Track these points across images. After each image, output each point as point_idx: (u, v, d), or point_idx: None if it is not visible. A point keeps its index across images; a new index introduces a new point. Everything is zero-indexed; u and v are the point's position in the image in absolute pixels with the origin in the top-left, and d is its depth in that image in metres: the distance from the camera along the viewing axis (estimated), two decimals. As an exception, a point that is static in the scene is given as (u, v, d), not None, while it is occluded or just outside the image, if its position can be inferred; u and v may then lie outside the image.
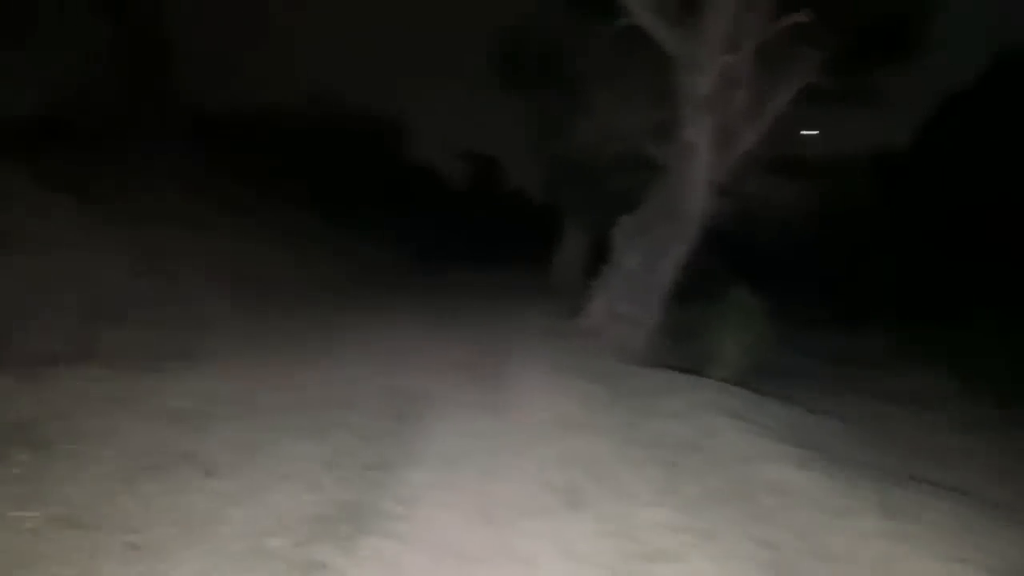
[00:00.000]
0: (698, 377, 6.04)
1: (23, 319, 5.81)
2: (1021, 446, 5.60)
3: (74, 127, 10.40)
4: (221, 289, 8.68)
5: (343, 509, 3.07)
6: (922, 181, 12.72)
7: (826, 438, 4.91)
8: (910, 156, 13.77)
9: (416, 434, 4.10)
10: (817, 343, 9.69)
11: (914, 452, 5.05)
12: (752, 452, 4.09)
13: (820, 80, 7.17)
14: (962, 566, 2.91)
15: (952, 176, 11.96)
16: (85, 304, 6.31)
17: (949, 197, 11.82)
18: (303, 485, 3.29)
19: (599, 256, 13.29)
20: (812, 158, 11.12)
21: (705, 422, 4.49)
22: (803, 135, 10.36)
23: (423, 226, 21.22)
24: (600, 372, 5.91)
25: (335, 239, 15.12)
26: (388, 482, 3.40)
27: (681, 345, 8.00)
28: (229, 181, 14.20)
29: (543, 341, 7.51)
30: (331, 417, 4.31)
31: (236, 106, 16.86)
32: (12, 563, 2.39)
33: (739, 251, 9.35)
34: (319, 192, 16.54)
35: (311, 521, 2.92)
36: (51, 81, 10.17)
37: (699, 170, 7.00)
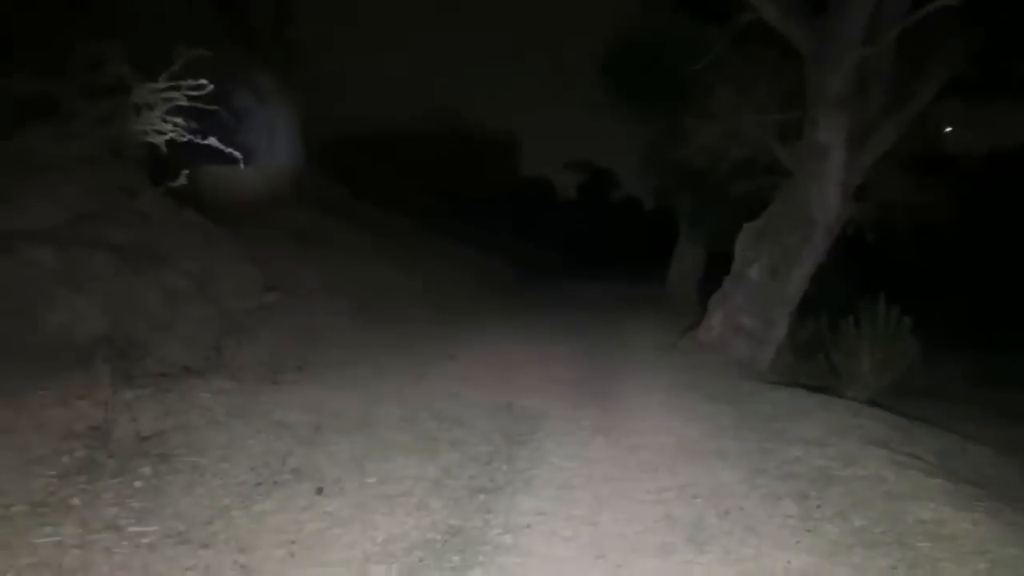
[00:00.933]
0: (830, 397, 5.51)
1: (160, 331, 6.20)
2: None
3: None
4: (340, 304, 8.96)
5: (451, 535, 2.94)
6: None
7: (982, 471, 4.30)
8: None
9: (526, 456, 3.94)
10: (956, 360, 8.70)
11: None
12: (901, 487, 3.61)
13: (966, 71, 6.44)
14: None
15: None
16: (214, 318, 6.67)
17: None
18: (411, 507, 3.20)
19: (716, 266, 12.78)
20: (958, 158, 10.07)
21: (844, 450, 4.03)
22: (948, 132, 9.40)
23: (537, 237, 21.25)
24: (723, 391, 5.51)
25: (451, 252, 15.41)
26: (497, 507, 3.25)
27: (806, 362, 7.41)
28: (349, 196, 14.82)
29: (660, 357, 7.18)
30: (441, 434, 4.24)
31: (355, 124, 17.57)
32: (131, 579, 2.44)
33: (874, 259, 8.55)
34: (435, 206, 16.95)
35: (418, 547, 2.82)
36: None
37: (832, 173, 6.44)
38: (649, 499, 3.40)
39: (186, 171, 6.31)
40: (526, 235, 20.69)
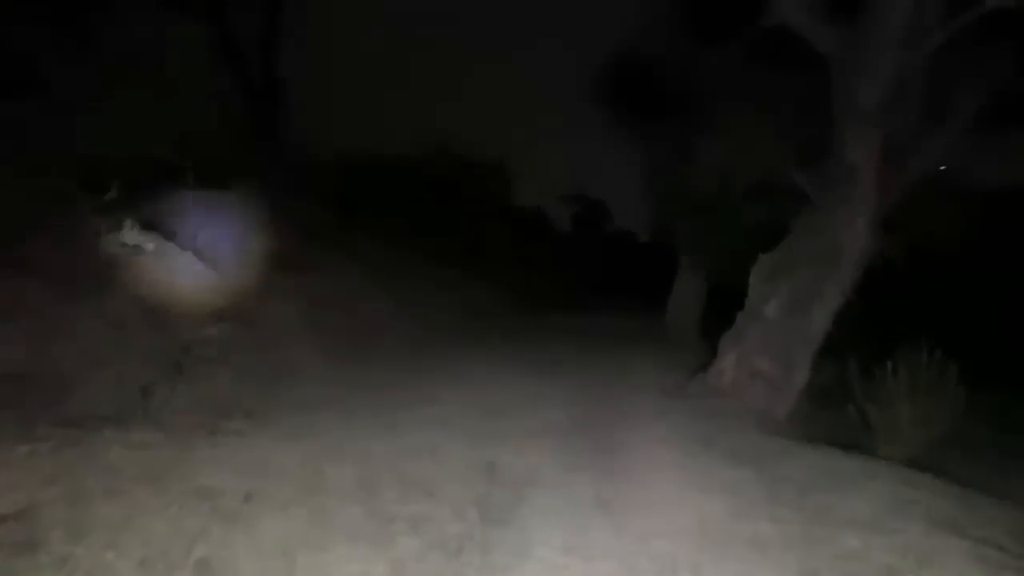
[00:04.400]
0: (869, 460, 4.67)
1: (93, 368, 5.34)
2: None
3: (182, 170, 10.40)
4: (312, 336, 8.13)
5: None
6: None
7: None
8: None
9: (507, 545, 3.07)
10: (993, 406, 7.88)
11: None
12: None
13: (1014, 85, 5.75)
14: None
15: None
16: (156, 352, 5.81)
17: None
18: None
19: (717, 299, 11.99)
20: (1003, 184, 9.39)
21: (911, 540, 3.19)
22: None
23: (528, 267, 20.51)
24: (745, 450, 4.66)
25: (441, 282, 14.61)
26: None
27: (826, 410, 6.61)
28: (337, 224, 14.04)
29: (665, 402, 6.33)
30: (402, 509, 3.38)
31: (346, 152, 16.95)
32: None
33: (902, 295, 7.78)
34: (424, 234, 16.25)
35: None
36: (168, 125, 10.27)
37: (862, 197, 5.69)
38: (670, 613, 2.55)
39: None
40: (519, 265, 19.95)
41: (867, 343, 6.20)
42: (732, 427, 5.37)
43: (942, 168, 7.58)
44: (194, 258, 7.58)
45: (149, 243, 7.01)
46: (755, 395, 6.16)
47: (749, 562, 2.95)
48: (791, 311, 6.12)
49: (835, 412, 6.42)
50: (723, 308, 11.71)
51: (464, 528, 3.18)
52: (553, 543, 3.06)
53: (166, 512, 3.16)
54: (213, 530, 3.02)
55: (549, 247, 25.53)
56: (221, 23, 12.69)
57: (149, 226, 7.29)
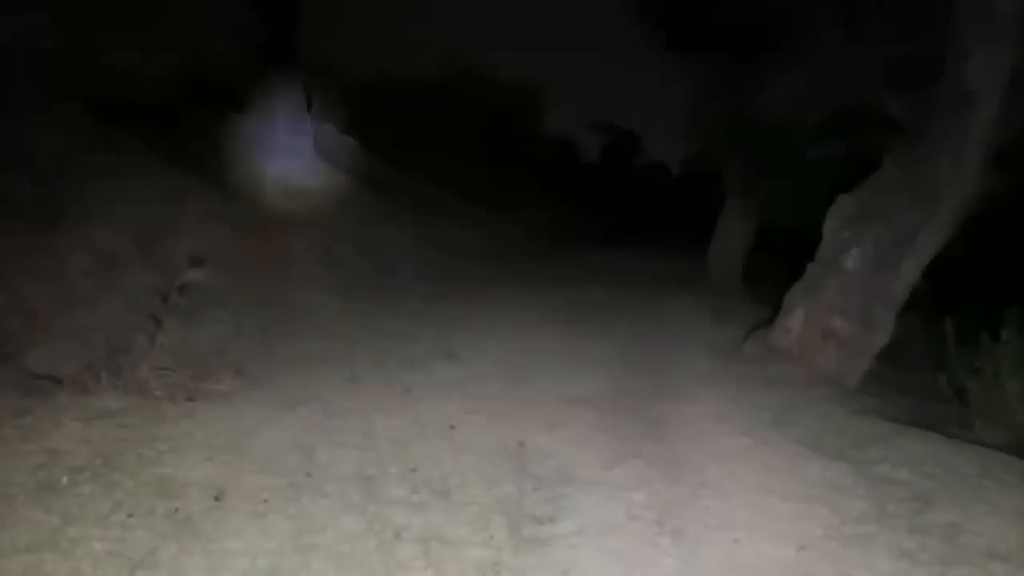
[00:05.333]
0: (982, 451, 3.81)
1: (61, 316, 4.65)
2: None
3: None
4: (322, 275, 7.39)
5: None
6: None
7: None
8: None
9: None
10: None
11: None
12: None
13: None
14: None
15: None
16: (143, 292, 5.09)
17: None
18: None
19: (766, 244, 10.96)
20: None
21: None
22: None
23: (557, 201, 19.47)
24: (828, 434, 3.83)
25: (465, 215, 13.73)
26: None
27: (899, 373, 5.75)
28: (357, 151, 13.13)
29: (719, 365, 5.50)
30: (412, 520, 2.65)
31: (365, 74, 15.86)
32: None
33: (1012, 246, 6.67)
34: (450, 164, 15.31)
35: None
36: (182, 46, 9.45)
37: (976, 130, 4.65)
38: None
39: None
40: (547, 198, 18.95)
41: (964, 301, 5.26)
42: (805, 400, 4.52)
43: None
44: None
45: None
46: (827, 359, 5.30)
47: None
48: (876, 264, 5.18)
49: (910, 379, 5.58)
50: (773, 249, 10.76)
51: (489, 554, 2.43)
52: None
53: (108, 521, 2.46)
54: (160, 549, 2.32)
55: (578, 179, 24.34)
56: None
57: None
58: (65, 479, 2.71)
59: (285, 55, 11.48)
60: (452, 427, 3.72)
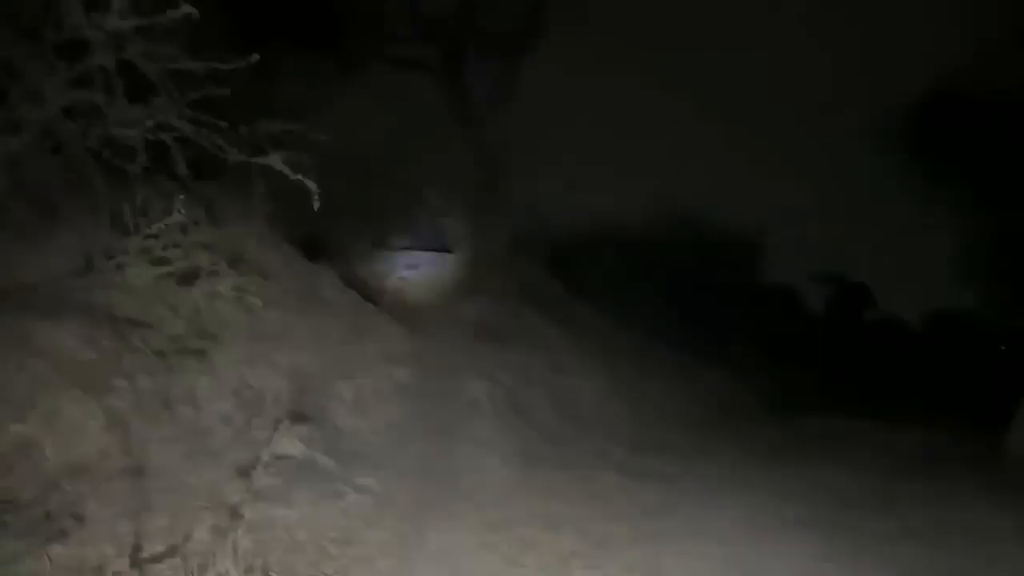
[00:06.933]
0: None
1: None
2: None
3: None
4: (490, 429, 6.27)
5: None
6: None
7: None
8: None
9: None
10: None
11: None
12: None
13: None
14: None
15: None
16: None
17: None
18: None
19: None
20: None
21: None
22: None
23: (779, 357, 17.18)
24: None
25: (676, 368, 12.12)
26: None
27: None
28: (562, 294, 12.42)
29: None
30: None
31: (571, 223, 15.48)
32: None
33: None
34: (661, 312, 14.09)
35: None
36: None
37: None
38: None
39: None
40: (769, 353, 16.88)
41: None
42: None
43: None
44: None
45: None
46: None
47: None
48: None
49: None
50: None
51: None
52: None
53: None
54: None
55: (803, 334, 21.73)
56: (457, 81, 11.81)
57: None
58: None
59: (490, 199, 11.31)
60: None
